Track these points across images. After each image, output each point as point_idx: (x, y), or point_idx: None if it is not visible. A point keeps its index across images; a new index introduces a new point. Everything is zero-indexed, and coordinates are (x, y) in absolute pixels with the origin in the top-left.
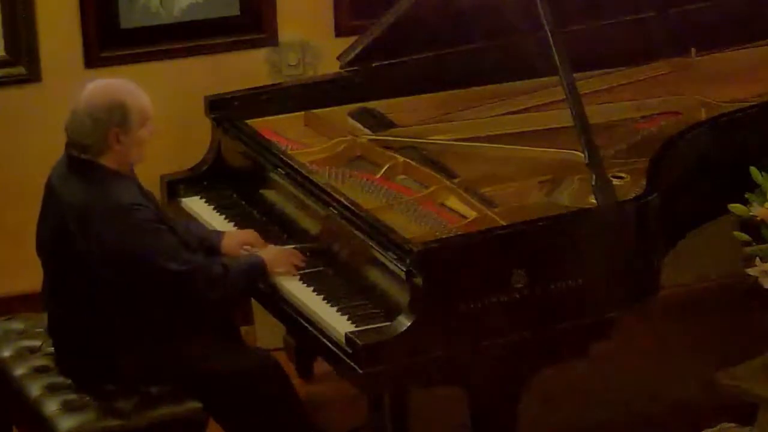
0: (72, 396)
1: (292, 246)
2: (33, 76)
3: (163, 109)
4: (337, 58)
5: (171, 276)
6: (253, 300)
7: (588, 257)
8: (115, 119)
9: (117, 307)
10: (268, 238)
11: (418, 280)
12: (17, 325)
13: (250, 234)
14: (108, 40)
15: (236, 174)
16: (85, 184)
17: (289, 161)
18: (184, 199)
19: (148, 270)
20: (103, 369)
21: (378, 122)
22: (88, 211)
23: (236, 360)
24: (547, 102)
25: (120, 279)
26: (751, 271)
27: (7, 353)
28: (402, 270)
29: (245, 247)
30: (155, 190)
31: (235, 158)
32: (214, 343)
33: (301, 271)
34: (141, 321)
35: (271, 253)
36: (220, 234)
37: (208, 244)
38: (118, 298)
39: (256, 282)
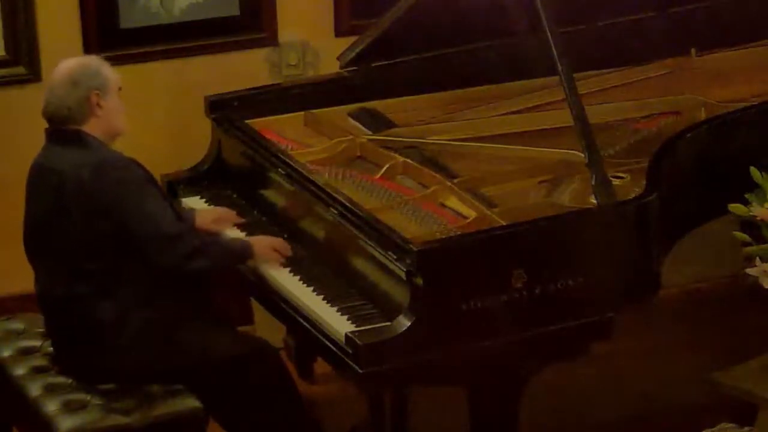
0: (72, 396)
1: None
2: (33, 76)
3: (163, 109)
4: (337, 58)
5: (159, 237)
6: (253, 300)
7: (588, 257)
8: (94, 82)
9: (114, 284)
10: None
11: (418, 280)
12: (17, 325)
13: (222, 210)
14: (108, 40)
15: (236, 174)
16: (75, 151)
17: (289, 161)
18: (184, 199)
19: (139, 227)
20: (100, 362)
21: (378, 122)
22: (83, 169)
23: (232, 347)
24: (547, 102)
25: (115, 239)
26: (751, 271)
27: (7, 353)
28: (402, 270)
29: (220, 224)
30: None
31: (235, 158)
32: (210, 331)
33: (300, 271)
34: (139, 302)
35: (260, 239)
36: (192, 212)
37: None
38: (115, 272)
39: (240, 262)
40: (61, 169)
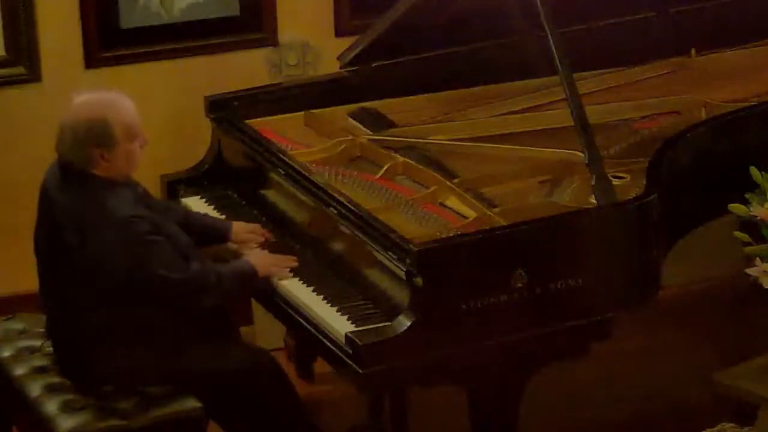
0: (72, 396)
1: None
2: (33, 76)
3: (163, 109)
4: (337, 58)
5: (167, 285)
6: (253, 300)
7: (588, 257)
8: (96, 138)
9: (113, 311)
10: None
11: (419, 280)
12: (17, 325)
13: (257, 227)
14: (108, 40)
15: (236, 174)
16: (80, 195)
17: (289, 161)
18: (184, 199)
19: (145, 281)
20: (100, 370)
21: (378, 122)
22: (85, 222)
23: (233, 358)
24: (547, 102)
25: (118, 287)
26: (751, 271)
27: (7, 353)
28: (402, 270)
29: (252, 236)
30: (155, 190)
31: (235, 158)
32: (211, 342)
33: (300, 271)
34: (138, 322)
35: (259, 258)
36: (228, 224)
37: (212, 232)
38: (115, 303)
39: (248, 286)
40: (64, 213)
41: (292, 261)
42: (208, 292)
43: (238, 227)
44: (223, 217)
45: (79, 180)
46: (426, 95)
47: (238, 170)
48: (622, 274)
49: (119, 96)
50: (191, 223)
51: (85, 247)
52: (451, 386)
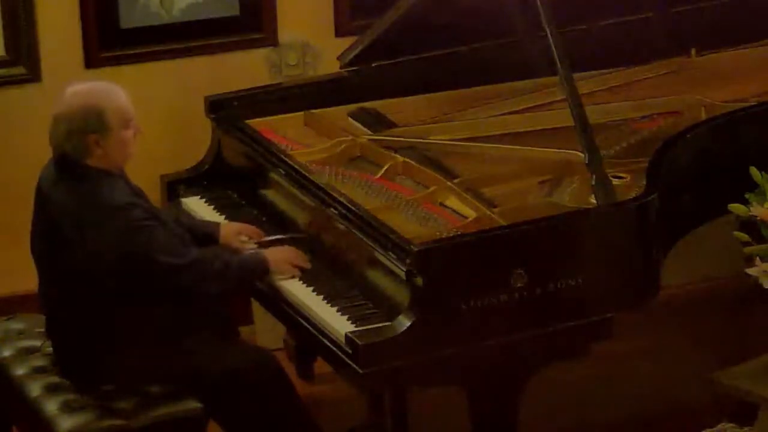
0: (72, 396)
1: (284, 237)
2: (33, 76)
3: (163, 109)
4: (337, 58)
5: (168, 270)
6: (253, 300)
7: (588, 257)
8: (91, 126)
9: (113, 309)
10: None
11: (418, 280)
12: (17, 325)
13: (247, 225)
14: (108, 40)
15: (236, 174)
16: (76, 188)
17: (289, 161)
18: (184, 199)
19: (146, 267)
20: (100, 370)
21: (378, 122)
22: (82, 215)
23: (234, 358)
24: (547, 102)
25: (118, 279)
26: (751, 271)
27: (7, 353)
28: (402, 270)
29: (242, 237)
30: (155, 190)
31: (235, 158)
32: (212, 342)
33: (301, 272)
34: (138, 321)
35: (275, 253)
36: (216, 224)
37: (201, 233)
38: (114, 300)
39: (259, 279)
40: (61, 209)
41: (305, 261)
42: (213, 278)
43: (228, 229)
44: (223, 216)
45: (74, 172)
46: (426, 95)
47: (238, 170)
48: (622, 274)
49: (110, 84)
50: (181, 224)
51: (84, 242)
52: (451, 386)
